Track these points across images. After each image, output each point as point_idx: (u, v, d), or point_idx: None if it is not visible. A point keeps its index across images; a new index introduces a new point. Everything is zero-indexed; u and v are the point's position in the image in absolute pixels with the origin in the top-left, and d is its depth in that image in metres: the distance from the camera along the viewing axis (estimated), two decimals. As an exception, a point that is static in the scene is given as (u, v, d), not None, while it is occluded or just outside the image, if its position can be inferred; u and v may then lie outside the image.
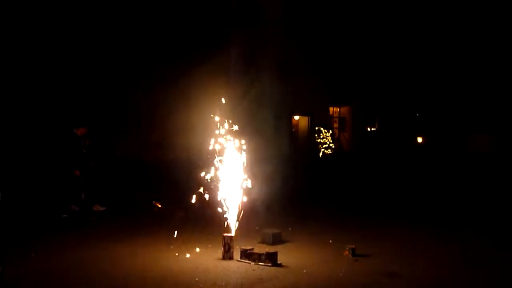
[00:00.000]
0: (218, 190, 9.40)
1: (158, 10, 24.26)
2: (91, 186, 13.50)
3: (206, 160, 9.48)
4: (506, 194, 17.06)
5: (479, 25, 32.69)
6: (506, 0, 31.34)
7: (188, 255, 9.17)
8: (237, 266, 8.64)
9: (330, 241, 10.48)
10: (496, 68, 32.92)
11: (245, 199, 9.48)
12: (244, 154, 9.50)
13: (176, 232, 10.11)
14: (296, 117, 32.64)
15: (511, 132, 31.85)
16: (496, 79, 32.97)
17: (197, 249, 9.52)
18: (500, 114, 32.68)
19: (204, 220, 11.32)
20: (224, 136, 9.42)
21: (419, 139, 36.51)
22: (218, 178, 9.40)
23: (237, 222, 9.47)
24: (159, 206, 13.69)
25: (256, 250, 9.02)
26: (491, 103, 33.18)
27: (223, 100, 9.48)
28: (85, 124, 13.76)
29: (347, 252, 9.46)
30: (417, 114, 35.86)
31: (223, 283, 7.74)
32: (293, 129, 32.52)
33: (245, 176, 9.48)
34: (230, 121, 9.44)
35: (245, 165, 9.51)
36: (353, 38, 32.05)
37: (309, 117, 32.36)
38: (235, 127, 9.45)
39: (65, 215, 12.86)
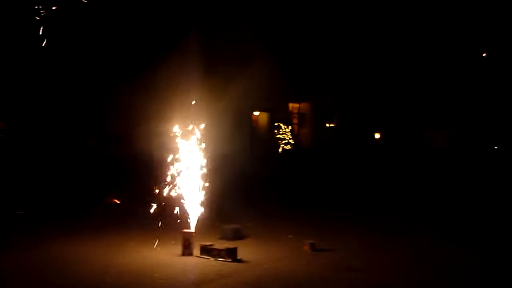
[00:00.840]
0: (178, 187, 9.37)
1: (123, 8, 23.97)
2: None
3: (166, 157, 9.44)
4: (461, 189, 17.47)
5: (434, 22, 33.28)
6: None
7: (152, 251, 9.12)
8: (197, 262, 8.64)
9: (290, 236, 10.56)
10: (453, 64, 33.57)
11: (205, 195, 9.47)
12: (203, 151, 9.50)
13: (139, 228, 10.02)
14: (256, 113, 32.66)
15: (468, 127, 32.59)
16: (452, 75, 33.63)
17: (157, 241, 9.47)
18: (457, 109, 33.38)
19: (165, 216, 11.24)
20: (184, 133, 9.40)
21: (377, 135, 36.99)
22: (178, 175, 9.37)
23: (197, 218, 9.45)
24: (117, 202, 13.57)
25: (216, 246, 9.02)
26: (448, 99, 33.84)
27: (189, 101, 9.47)
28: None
29: (307, 247, 9.54)
30: (376, 109, 36.27)
31: (183, 279, 7.72)
32: (253, 125, 32.54)
33: (204, 173, 9.47)
34: (191, 120, 9.42)
35: (204, 161, 9.50)
36: (312, 34, 32.23)
37: (269, 113, 32.42)
38: (190, 126, 9.42)
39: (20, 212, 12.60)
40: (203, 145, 9.54)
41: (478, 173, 21.47)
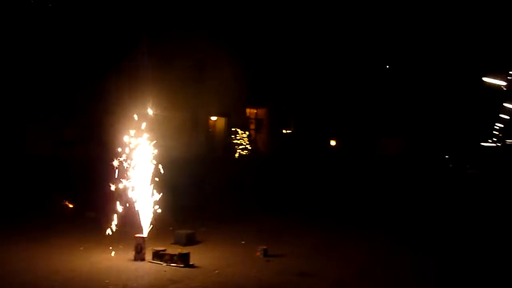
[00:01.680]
0: (131, 192, 9.32)
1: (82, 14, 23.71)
2: None
3: (119, 162, 9.38)
4: (410, 195, 17.85)
5: (389, 32, 33.98)
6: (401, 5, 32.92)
7: (102, 255, 9.04)
8: (149, 267, 8.60)
9: (243, 242, 10.60)
10: (406, 75, 34.32)
11: (157, 199, 9.46)
12: (155, 155, 9.49)
13: (89, 232, 9.91)
14: (213, 118, 32.62)
15: (420, 136, 33.34)
16: (406, 84, 34.36)
17: (110, 252, 9.39)
18: (407, 118, 34.14)
19: (117, 220, 11.13)
20: (138, 138, 9.37)
21: (333, 142, 37.43)
22: (130, 179, 9.33)
23: (150, 223, 9.42)
24: (70, 205, 13.38)
25: (168, 251, 9.01)
26: (402, 108, 34.57)
27: (136, 117, 9.44)
28: None
29: (259, 253, 9.60)
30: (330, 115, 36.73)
31: (134, 285, 7.69)
32: (210, 130, 32.48)
33: (157, 177, 9.46)
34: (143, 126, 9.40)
35: (156, 167, 9.50)
36: (269, 40, 32.44)
37: (226, 118, 32.42)
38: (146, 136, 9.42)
39: None
40: (155, 151, 9.52)
41: (429, 180, 21.97)
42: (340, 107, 36.41)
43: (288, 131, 37.43)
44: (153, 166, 9.50)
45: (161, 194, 9.56)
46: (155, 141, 9.53)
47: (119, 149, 9.35)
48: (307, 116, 36.91)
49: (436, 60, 34.13)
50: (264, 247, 9.66)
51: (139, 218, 9.38)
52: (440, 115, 33.95)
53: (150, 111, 9.72)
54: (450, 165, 29.00)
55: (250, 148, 32.33)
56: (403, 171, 24.97)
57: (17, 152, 19.48)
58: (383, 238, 11.43)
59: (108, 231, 9.50)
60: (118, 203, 9.34)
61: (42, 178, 16.55)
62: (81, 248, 9.58)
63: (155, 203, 9.51)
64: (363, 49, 34.55)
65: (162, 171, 9.59)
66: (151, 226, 9.43)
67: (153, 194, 9.48)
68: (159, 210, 9.56)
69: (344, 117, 35.97)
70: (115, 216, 9.39)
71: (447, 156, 30.66)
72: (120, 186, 9.33)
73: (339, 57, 34.72)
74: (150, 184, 9.46)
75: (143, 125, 9.46)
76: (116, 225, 9.83)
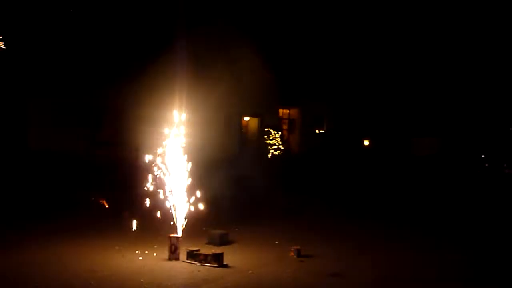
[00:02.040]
0: (165, 192, 9.42)
1: (115, 11, 24.00)
2: None
3: (153, 161, 9.49)
4: (447, 196, 17.61)
5: (424, 28, 33.56)
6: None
7: (137, 255, 9.16)
8: (183, 267, 8.68)
9: (276, 242, 10.62)
10: (441, 72, 33.84)
11: (191, 200, 9.53)
12: (190, 156, 9.56)
13: (124, 232, 10.03)
14: (246, 118, 32.70)
15: (452, 134, 32.85)
16: (439, 82, 33.90)
17: (145, 252, 9.50)
18: (441, 117, 33.64)
19: (151, 220, 11.26)
20: (172, 138, 9.47)
21: (366, 142, 37.16)
22: (165, 180, 9.43)
23: (184, 223, 9.50)
24: (106, 205, 13.57)
25: (202, 251, 9.08)
26: (437, 107, 34.10)
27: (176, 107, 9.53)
28: None
29: (292, 253, 9.61)
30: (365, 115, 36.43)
31: (169, 284, 7.77)
32: (243, 130, 32.57)
33: (191, 179, 9.53)
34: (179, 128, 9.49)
35: (190, 167, 9.57)
36: (304, 40, 32.38)
37: (259, 118, 32.47)
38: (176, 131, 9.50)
39: None
40: (189, 150, 9.60)
41: (464, 180, 21.64)
42: (373, 107, 36.13)
43: (321, 131, 37.31)
44: (187, 167, 9.58)
45: (195, 195, 9.63)
46: (188, 141, 9.61)
47: (154, 150, 9.45)
48: (340, 116, 36.73)
49: (471, 56, 33.57)
50: (298, 247, 9.67)
51: (173, 218, 9.47)
52: (476, 114, 33.36)
53: (181, 113, 9.78)
54: (486, 165, 28.50)
55: (283, 148, 32.32)
56: (437, 171, 24.63)
57: (51, 152, 19.83)
58: (417, 238, 11.34)
59: (143, 231, 9.61)
60: (152, 203, 9.45)
61: (78, 177, 16.84)
62: (117, 248, 9.71)
63: (189, 203, 9.58)
64: (397, 47, 34.24)
65: (195, 171, 9.66)
66: (185, 226, 9.51)
67: (187, 195, 9.56)
68: (192, 209, 9.63)
69: (377, 116, 35.66)
70: (149, 216, 9.50)
71: (483, 156, 30.14)
72: (154, 186, 9.44)
73: (373, 56, 34.45)
74: (184, 185, 9.54)
75: (177, 125, 9.54)
76: (150, 225, 9.95)
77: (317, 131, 36.97)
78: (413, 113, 34.50)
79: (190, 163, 9.58)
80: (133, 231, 9.83)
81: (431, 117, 34.20)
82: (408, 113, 34.61)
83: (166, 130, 9.55)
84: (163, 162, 9.47)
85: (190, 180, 9.56)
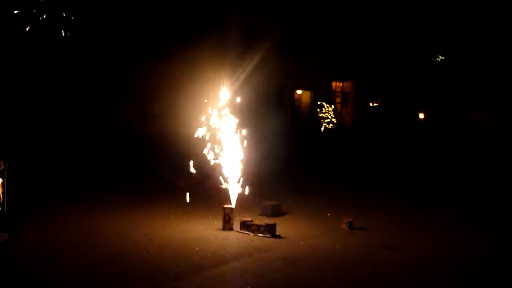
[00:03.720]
0: (219, 163, 9.62)
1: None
2: None
3: (205, 135, 9.64)
4: (505, 172, 17.24)
5: (476, 4, 32.57)
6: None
7: (192, 225, 9.42)
8: (237, 237, 8.90)
9: (329, 214, 10.72)
10: (496, 44, 32.80)
11: (245, 172, 9.70)
12: (244, 130, 9.69)
13: (182, 199, 10.19)
14: (299, 92, 32.63)
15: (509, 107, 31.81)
16: (497, 55, 32.88)
17: (200, 222, 9.76)
18: (499, 89, 32.60)
19: (205, 191, 11.49)
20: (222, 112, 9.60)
21: (421, 115, 36.54)
22: (219, 152, 9.61)
23: (238, 194, 9.70)
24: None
25: (255, 222, 9.27)
26: (491, 79, 33.11)
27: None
28: None
29: (344, 225, 9.69)
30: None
31: (222, 252, 7.98)
32: (296, 104, 32.55)
33: (244, 149, 9.66)
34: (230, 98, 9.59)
35: (245, 140, 9.70)
36: (355, 14, 31.96)
37: (312, 92, 32.35)
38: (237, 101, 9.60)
39: None
40: (243, 123, 9.72)
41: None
42: (429, 79, 35.42)
43: (374, 105, 36.91)
44: (240, 140, 9.72)
45: (249, 164, 9.77)
46: (241, 116, 9.73)
47: (206, 123, 9.60)
48: (394, 88, 36.21)
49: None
50: (350, 219, 9.74)
51: (227, 190, 9.67)
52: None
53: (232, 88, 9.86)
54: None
55: (335, 122, 32.19)
56: (497, 147, 23.97)
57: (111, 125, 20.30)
58: (469, 215, 11.25)
59: (197, 202, 9.85)
60: (207, 174, 9.66)
61: (136, 150, 17.29)
62: (172, 217, 10.01)
63: (243, 176, 9.74)
64: (446, 18, 33.37)
65: (249, 145, 9.78)
66: (239, 197, 9.70)
67: (241, 166, 9.72)
68: (246, 182, 9.79)
69: (432, 88, 34.95)
70: (204, 187, 9.72)
71: None
72: (210, 158, 9.63)
73: (424, 27, 33.70)
74: (238, 157, 9.70)
75: (228, 99, 9.64)
76: (205, 196, 10.15)
77: (371, 104, 36.63)
78: (469, 85, 33.58)
79: (245, 140, 9.68)
80: (187, 202, 10.05)
81: (489, 89, 33.21)
82: (465, 85, 33.73)
83: (219, 103, 9.66)
84: (217, 136, 9.61)
85: (243, 154, 9.69)
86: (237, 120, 9.71)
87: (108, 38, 22.66)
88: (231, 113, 9.69)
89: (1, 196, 8.12)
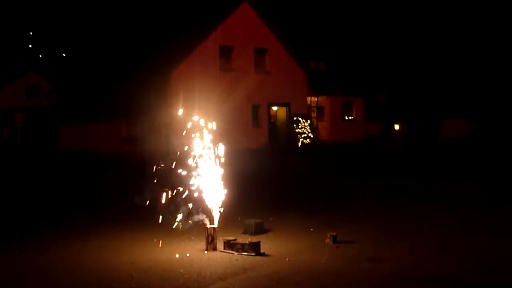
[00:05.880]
0: (198, 184, 9.49)
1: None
2: None
3: (184, 156, 9.50)
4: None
5: (459, 11, 33.04)
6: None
7: (175, 247, 9.28)
8: (221, 257, 8.78)
9: (312, 229, 10.65)
10: (474, 46, 33.09)
11: (225, 191, 9.58)
12: (221, 147, 9.56)
13: (160, 222, 10.07)
14: (275, 108, 32.76)
15: (489, 114, 32.01)
16: (474, 58, 33.08)
17: (182, 244, 9.62)
18: (477, 96, 32.71)
19: (186, 212, 11.33)
20: (200, 131, 9.47)
21: (396, 126, 36.86)
22: (197, 172, 9.46)
23: (219, 214, 9.57)
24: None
25: (239, 241, 9.16)
26: (467, 84, 33.27)
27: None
28: None
29: (328, 240, 9.62)
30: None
31: (208, 273, 7.87)
32: (272, 120, 32.62)
33: (222, 169, 9.54)
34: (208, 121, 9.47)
35: (222, 158, 9.57)
36: (327, 28, 32.36)
37: (287, 107, 32.50)
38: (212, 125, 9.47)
39: None
40: (219, 143, 9.59)
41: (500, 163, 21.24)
42: (402, 90, 35.78)
43: (350, 118, 37.19)
44: (218, 158, 9.59)
45: (228, 182, 9.65)
46: (218, 133, 9.61)
47: (182, 143, 9.47)
48: (368, 101, 36.53)
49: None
50: (333, 233, 9.68)
51: (209, 210, 9.55)
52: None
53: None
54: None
55: (312, 136, 32.32)
56: (471, 156, 24.11)
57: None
58: (452, 225, 11.27)
59: (178, 223, 9.69)
60: (187, 195, 9.51)
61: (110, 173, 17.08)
62: (155, 240, 9.85)
63: (223, 194, 9.62)
64: (423, 28, 33.82)
65: (224, 162, 9.64)
66: (220, 216, 9.58)
67: (220, 186, 9.60)
68: (227, 200, 9.66)
69: (407, 99, 35.25)
70: (184, 208, 9.55)
71: None
72: (189, 179, 9.48)
73: (398, 39, 34.12)
74: (217, 176, 9.57)
75: (202, 120, 9.50)
76: (186, 217, 10.01)
77: (346, 118, 36.91)
78: (443, 92, 33.86)
79: (222, 158, 9.55)
80: (170, 224, 9.90)
81: (463, 96, 33.45)
82: (438, 92, 33.99)
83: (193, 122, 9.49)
84: (194, 155, 9.46)
85: (222, 171, 9.57)
86: (217, 146, 9.54)
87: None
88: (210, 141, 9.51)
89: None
